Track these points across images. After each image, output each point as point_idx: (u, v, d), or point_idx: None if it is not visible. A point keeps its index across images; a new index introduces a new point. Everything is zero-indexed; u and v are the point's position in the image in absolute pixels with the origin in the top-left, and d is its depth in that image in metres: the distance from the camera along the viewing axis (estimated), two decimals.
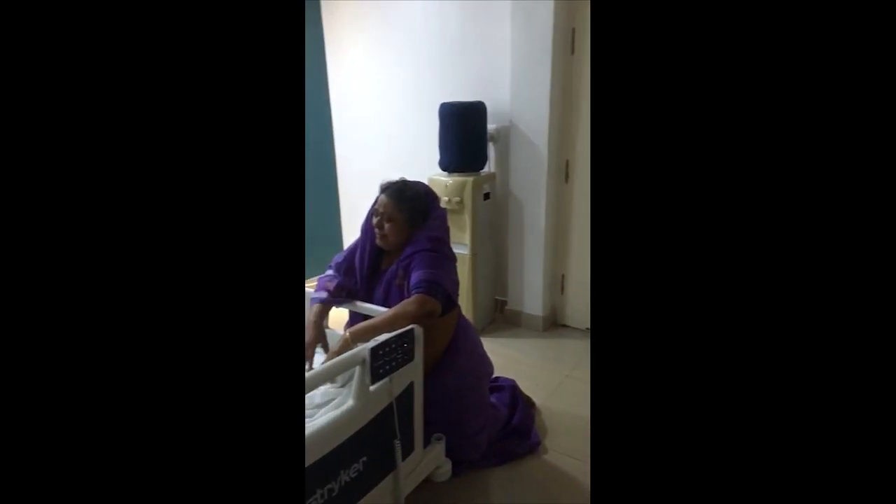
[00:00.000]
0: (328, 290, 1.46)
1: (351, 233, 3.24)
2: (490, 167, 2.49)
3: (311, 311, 1.43)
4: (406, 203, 1.43)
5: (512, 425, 1.65)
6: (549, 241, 2.38)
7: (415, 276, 1.32)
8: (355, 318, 1.49)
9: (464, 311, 1.59)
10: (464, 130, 2.26)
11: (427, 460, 1.30)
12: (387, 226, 1.43)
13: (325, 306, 1.45)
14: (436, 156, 2.38)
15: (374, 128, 2.94)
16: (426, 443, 1.33)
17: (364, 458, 1.08)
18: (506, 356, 2.20)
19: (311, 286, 1.54)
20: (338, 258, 1.55)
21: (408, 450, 1.22)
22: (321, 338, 1.39)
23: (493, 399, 1.70)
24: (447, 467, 1.37)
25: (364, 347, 1.05)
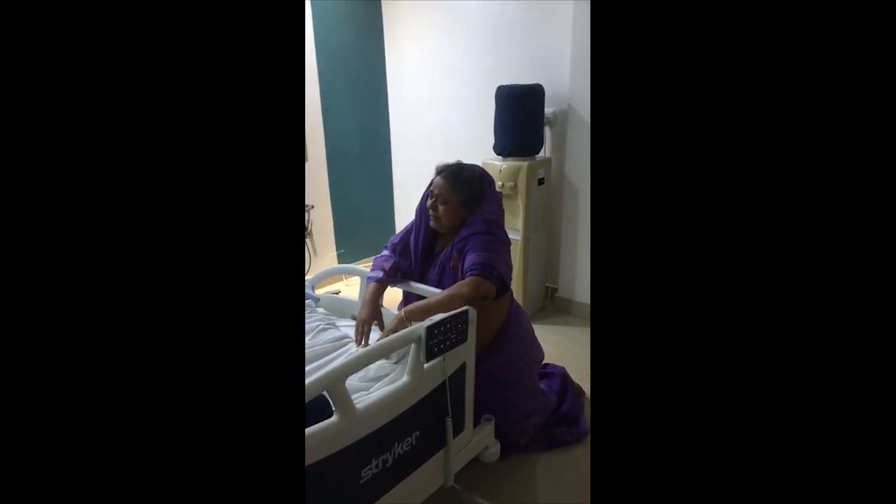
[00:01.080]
0: (384, 270, 1.50)
1: (404, 215, 3.29)
2: (546, 152, 2.45)
3: (367, 290, 1.47)
4: (461, 185, 1.43)
5: (561, 412, 1.65)
6: None
7: (469, 259, 1.33)
8: (409, 297, 1.52)
9: (514, 297, 1.59)
10: (520, 114, 2.22)
11: (476, 440, 1.32)
12: (441, 208, 1.44)
13: (381, 285, 1.49)
14: (491, 140, 2.36)
15: (430, 111, 2.95)
16: (476, 423, 1.35)
17: (417, 433, 1.11)
18: (556, 343, 2.19)
19: (366, 265, 1.58)
20: (394, 239, 1.58)
21: (458, 428, 1.24)
22: (377, 315, 1.43)
23: (542, 385, 1.69)
24: (496, 448, 1.39)
25: (420, 326, 1.08)
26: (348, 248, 3.06)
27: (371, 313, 1.41)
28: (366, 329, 1.39)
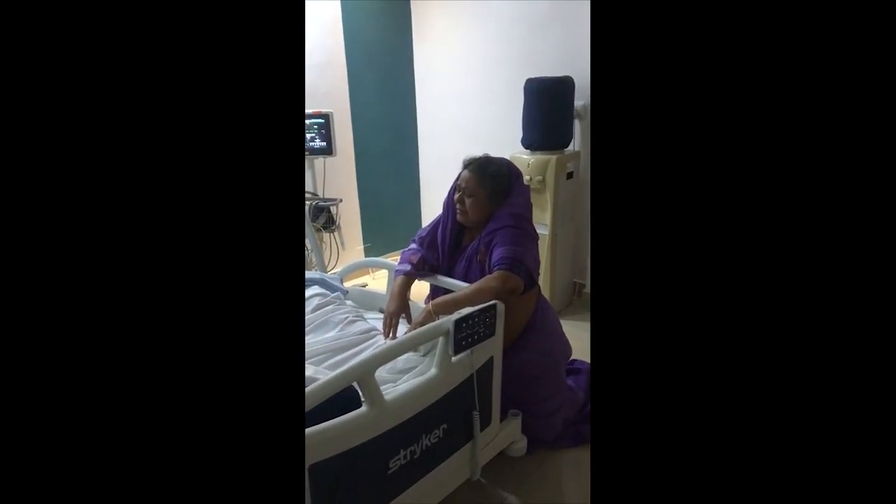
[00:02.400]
0: (411, 263, 1.50)
1: (430, 209, 3.30)
2: (575, 146, 2.41)
3: (395, 283, 1.48)
4: (488, 179, 1.42)
5: (588, 409, 1.63)
6: None
7: (497, 253, 1.32)
8: (436, 291, 1.53)
9: (542, 292, 1.57)
10: (549, 107, 2.19)
11: (503, 434, 1.32)
12: (468, 201, 1.43)
13: (409, 279, 1.50)
14: (519, 133, 2.34)
15: (457, 105, 2.94)
16: (503, 418, 1.35)
17: (444, 426, 1.11)
18: (583, 339, 2.16)
19: (393, 259, 1.59)
20: (421, 232, 1.58)
21: (485, 422, 1.24)
22: (405, 308, 1.43)
23: (569, 381, 1.67)
24: (522, 443, 1.38)
25: (448, 319, 1.08)
26: (375, 242, 3.09)
27: (399, 306, 1.42)
28: (394, 322, 1.40)
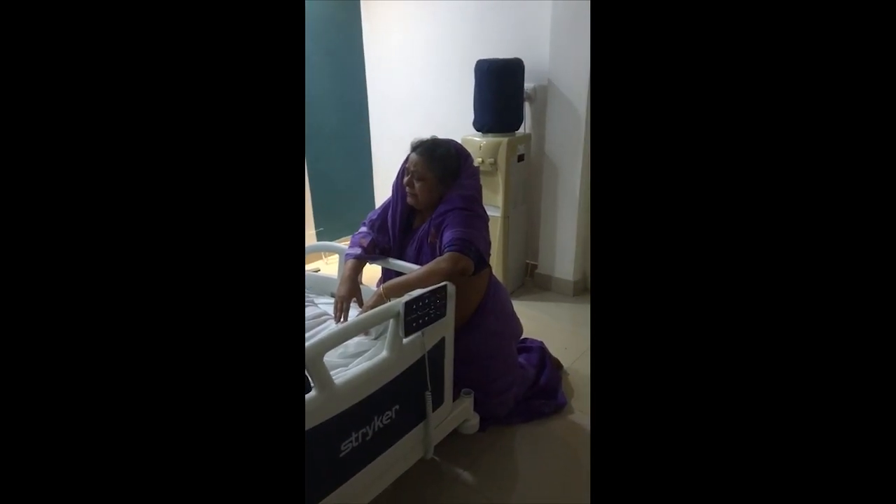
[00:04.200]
0: (362, 247, 1.48)
1: (383, 192, 3.26)
2: (525, 128, 2.44)
3: (345, 267, 1.46)
4: (437, 162, 1.42)
5: (539, 385, 1.68)
6: (582, 206, 2.34)
7: (447, 235, 1.33)
8: (388, 274, 1.52)
9: (494, 273, 1.60)
10: (500, 89, 2.20)
11: (456, 413, 1.34)
12: (417, 185, 1.42)
13: (359, 262, 1.48)
14: (470, 115, 2.34)
15: (409, 85, 2.90)
16: (455, 397, 1.37)
17: (396, 407, 1.12)
18: (535, 319, 2.22)
19: (345, 243, 1.56)
20: (372, 215, 1.56)
21: (438, 402, 1.26)
22: (356, 292, 1.42)
23: (521, 359, 1.72)
24: (475, 421, 1.41)
25: (399, 301, 1.08)
26: (327, 227, 3.03)
27: (350, 290, 1.41)
28: (344, 305, 1.38)
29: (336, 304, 1.39)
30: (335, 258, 2.65)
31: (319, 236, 2.98)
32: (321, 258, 2.92)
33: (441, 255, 1.32)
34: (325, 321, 1.43)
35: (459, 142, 1.52)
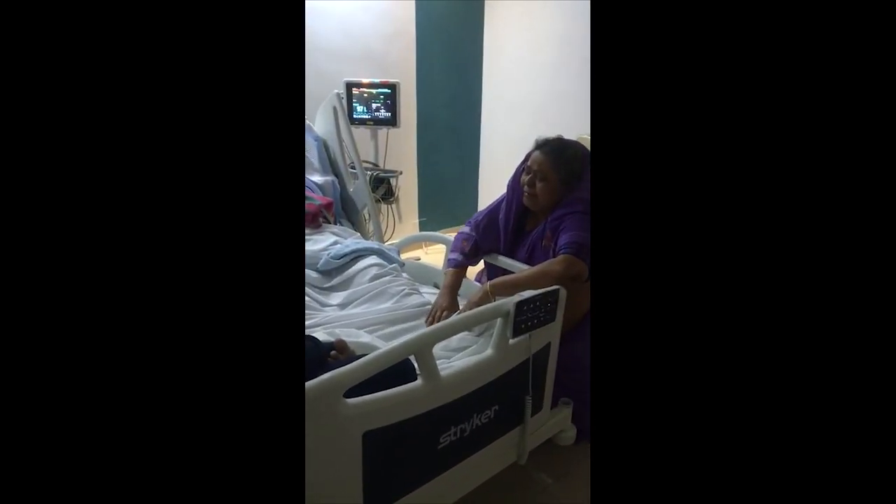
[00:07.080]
0: (463, 253, 1.46)
1: (488, 187, 3.25)
2: None
3: (447, 276, 1.43)
4: (563, 163, 1.35)
5: None
6: None
7: (564, 237, 1.28)
8: (491, 270, 1.50)
9: None
10: None
11: (553, 422, 1.30)
12: (539, 185, 1.37)
13: (460, 271, 1.44)
14: (587, 114, 2.24)
15: (525, 82, 2.86)
16: (554, 405, 1.32)
17: (496, 407, 1.10)
18: None
19: (449, 235, 1.56)
20: (477, 216, 1.53)
21: (537, 407, 1.22)
22: (455, 308, 1.37)
23: None
24: (572, 433, 1.35)
25: (510, 300, 1.05)
26: (431, 217, 3.08)
27: (450, 304, 1.36)
28: (442, 317, 1.34)
29: (434, 311, 1.36)
30: (436, 248, 2.70)
31: (422, 226, 3.04)
32: (422, 248, 2.99)
33: (555, 257, 1.27)
34: (428, 310, 1.44)
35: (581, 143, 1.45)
